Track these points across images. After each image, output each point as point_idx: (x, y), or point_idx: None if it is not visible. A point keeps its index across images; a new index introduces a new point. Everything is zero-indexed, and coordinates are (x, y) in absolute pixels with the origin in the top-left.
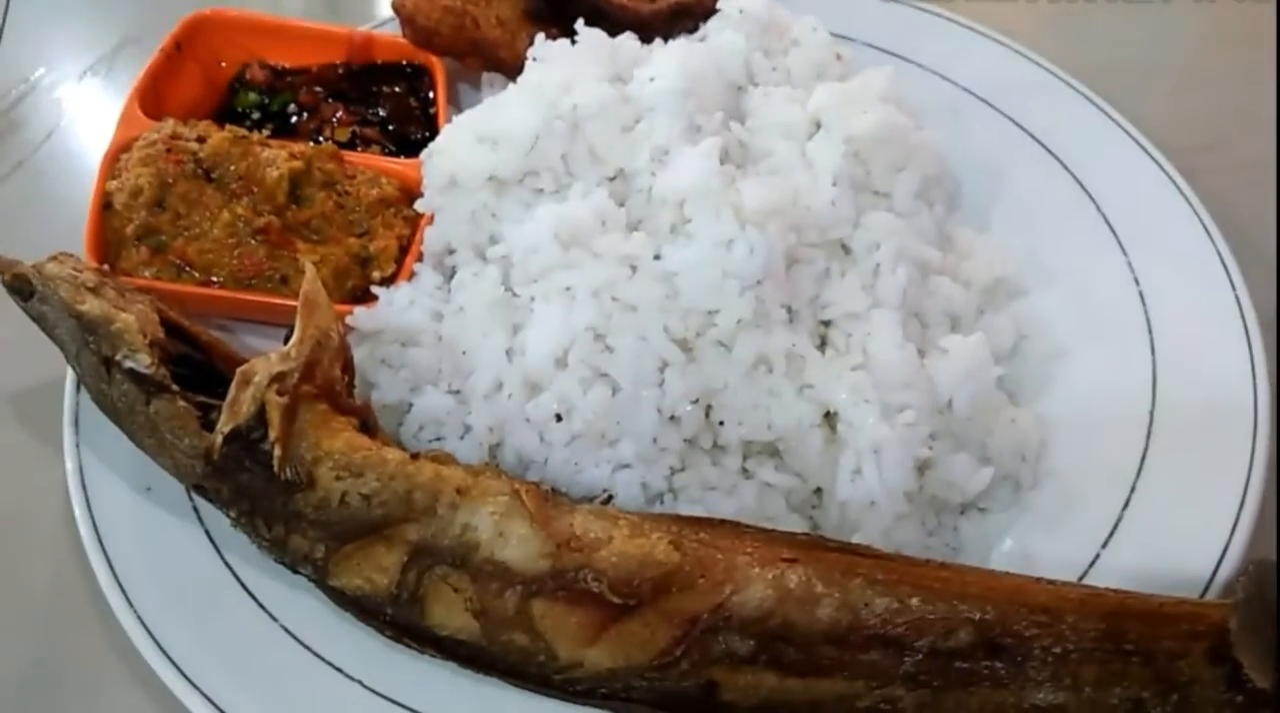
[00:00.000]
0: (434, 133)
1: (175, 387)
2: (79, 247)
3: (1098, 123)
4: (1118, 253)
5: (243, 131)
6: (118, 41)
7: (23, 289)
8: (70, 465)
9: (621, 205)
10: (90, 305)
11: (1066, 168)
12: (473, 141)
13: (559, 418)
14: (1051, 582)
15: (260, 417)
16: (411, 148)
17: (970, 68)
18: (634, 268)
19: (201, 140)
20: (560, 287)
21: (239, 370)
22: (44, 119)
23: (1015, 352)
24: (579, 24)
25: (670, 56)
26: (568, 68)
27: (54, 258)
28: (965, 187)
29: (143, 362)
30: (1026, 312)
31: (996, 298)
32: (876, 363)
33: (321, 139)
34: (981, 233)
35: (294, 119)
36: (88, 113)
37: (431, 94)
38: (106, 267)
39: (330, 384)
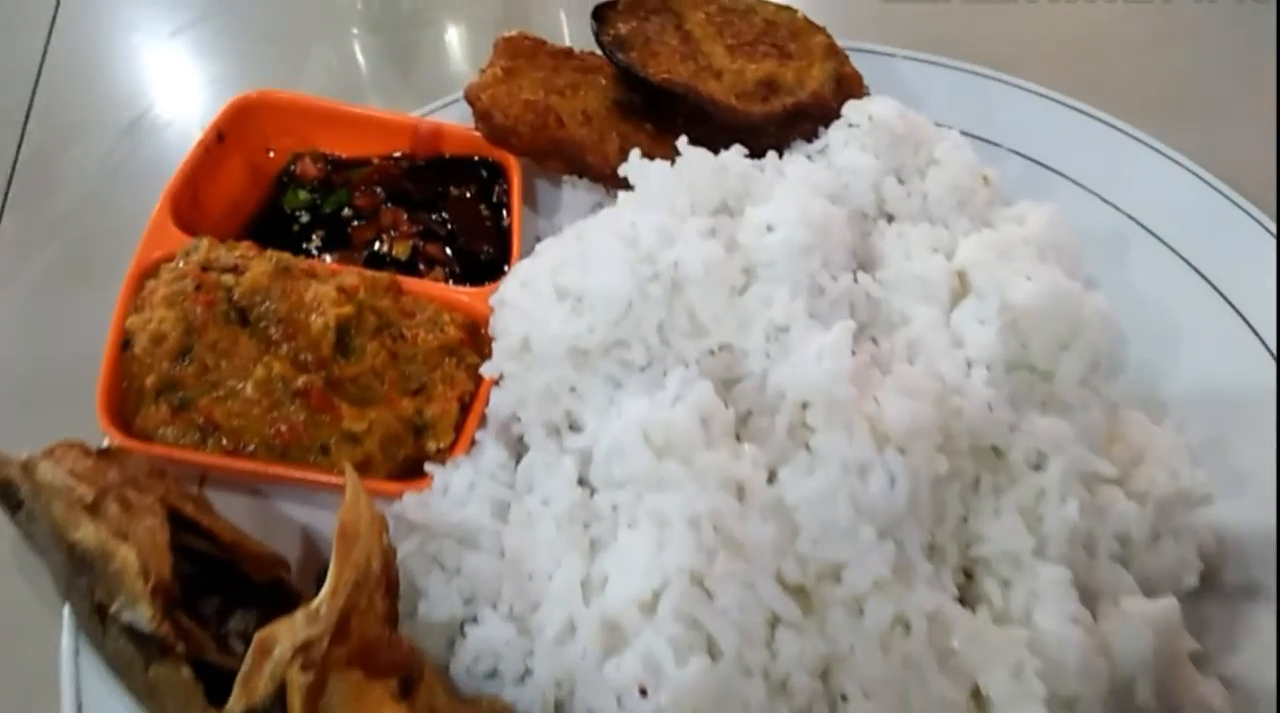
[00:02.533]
0: (506, 251)
1: (180, 647)
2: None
3: None
4: None
5: (287, 258)
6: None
7: (9, 499)
8: (66, 687)
9: (728, 389)
10: (85, 533)
11: (1253, 330)
12: (550, 295)
13: (643, 692)
14: None
15: (280, 698)
16: (480, 268)
17: (1136, 189)
18: (742, 490)
19: (238, 270)
20: (651, 510)
21: (257, 637)
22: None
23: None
24: (681, 141)
25: (790, 199)
26: (665, 209)
27: (50, 453)
28: (1132, 345)
29: (143, 616)
30: (1211, 532)
31: (1175, 513)
32: (1045, 640)
33: (380, 249)
34: (1153, 413)
35: (349, 226)
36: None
37: (506, 197)
38: (115, 443)
39: (368, 637)
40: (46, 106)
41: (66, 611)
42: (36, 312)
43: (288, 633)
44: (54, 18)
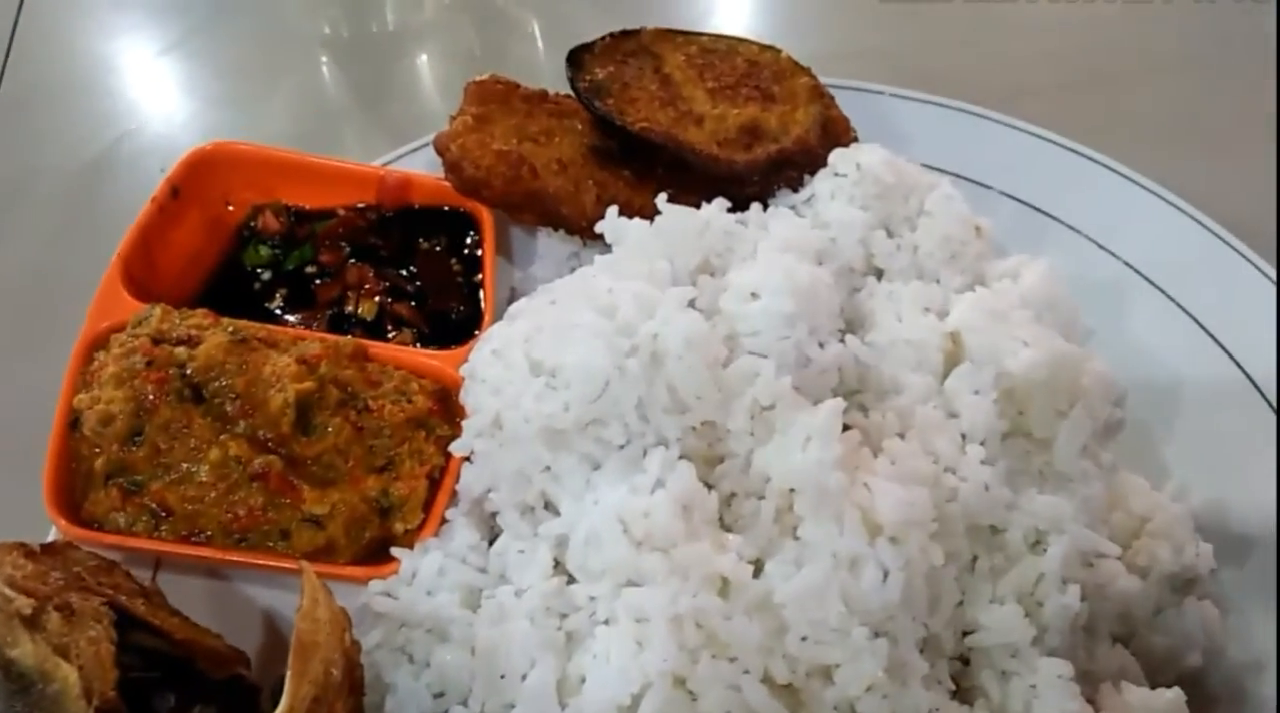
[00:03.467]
0: (478, 308)
1: None
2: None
3: None
4: None
5: (244, 328)
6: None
7: None
8: None
9: (710, 467)
10: (23, 650)
11: (1256, 386)
12: (524, 368)
13: None
14: None
15: None
16: (450, 329)
17: (1135, 237)
18: (726, 585)
19: (191, 342)
20: (630, 606)
21: None
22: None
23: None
24: (660, 199)
25: (775, 264)
26: (644, 275)
27: None
28: (1131, 401)
29: None
30: (1217, 597)
31: (1179, 587)
32: None
33: (345, 310)
34: (1152, 473)
35: (313, 283)
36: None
37: (478, 248)
38: (62, 536)
39: None
40: None
41: None
42: None
43: None
44: (8, 51)
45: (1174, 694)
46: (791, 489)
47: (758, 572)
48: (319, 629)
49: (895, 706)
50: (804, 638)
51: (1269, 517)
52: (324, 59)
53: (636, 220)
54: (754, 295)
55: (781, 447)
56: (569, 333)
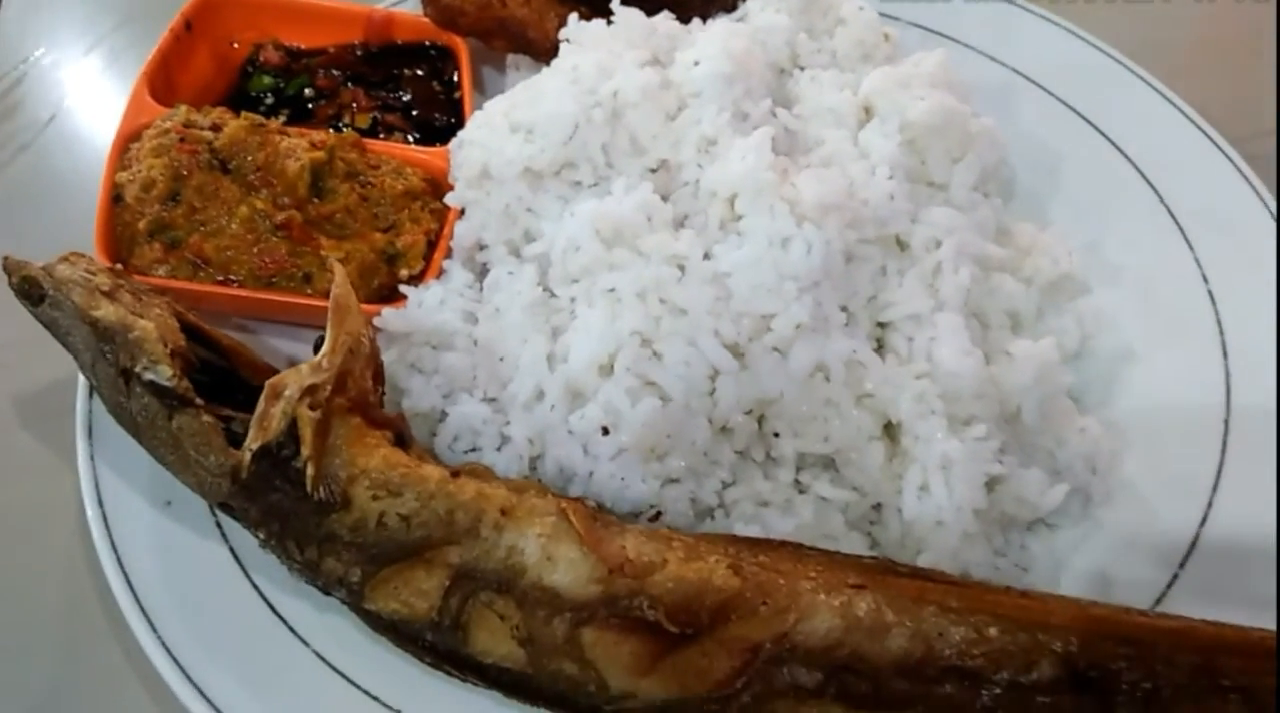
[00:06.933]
0: (459, 119)
1: (199, 400)
2: (87, 237)
3: (1157, 108)
4: (1183, 247)
5: (260, 119)
6: (120, 18)
7: (33, 293)
8: (85, 478)
9: (666, 199)
10: (105, 311)
11: (1126, 156)
12: (505, 130)
13: (605, 431)
14: (1142, 612)
15: (291, 433)
16: (436, 135)
17: (1021, 49)
18: (682, 268)
19: (216, 129)
20: (604, 289)
21: (268, 382)
22: (46, 100)
23: (1080, 353)
24: (615, 3)
25: (713, 38)
26: (605, 51)
27: (65, 259)
28: (1020, 176)
29: (164, 373)
30: (1090, 310)
31: (1059, 296)
32: (942, 371)
33: (341, 126)
34: (1040, 227)
35: (311, 105)
36: (92, 93)
37: (455, 77)
38: (119, 266)
39: (363, 395)
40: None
41: (79, 401)
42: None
43: (295, 378)
44: None
45: (1047, 342)
46: (733, 198)
47: (707, 259)
48: (350, 297)
49: (821, 354)
50: (745, 300)
51: (1140, 248)
52: None
53: (595, 20)
54: (696, 63)
55: (724, 166)
56: (542, 97)
